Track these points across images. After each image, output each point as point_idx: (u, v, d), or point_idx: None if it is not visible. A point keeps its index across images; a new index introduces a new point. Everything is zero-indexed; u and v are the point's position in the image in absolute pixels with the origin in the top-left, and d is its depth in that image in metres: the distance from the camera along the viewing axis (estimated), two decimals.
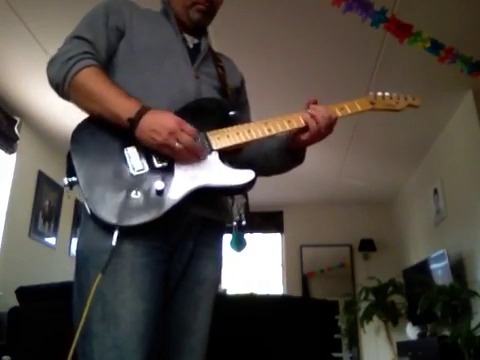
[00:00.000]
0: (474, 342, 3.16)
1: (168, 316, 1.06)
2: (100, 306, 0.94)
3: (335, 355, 4.90)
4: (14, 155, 3.99)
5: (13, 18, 2.93)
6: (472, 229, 3.83)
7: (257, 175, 1.20)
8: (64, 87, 1.07)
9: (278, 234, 6.68)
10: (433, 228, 4.76)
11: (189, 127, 1.02)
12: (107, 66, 1.17)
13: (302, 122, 1.16)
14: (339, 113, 1.21)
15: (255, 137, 1.12)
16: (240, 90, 1.36)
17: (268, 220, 6.50)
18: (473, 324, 3.38)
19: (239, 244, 4.34)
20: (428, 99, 3.88)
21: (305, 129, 1.17)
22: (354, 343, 5.87)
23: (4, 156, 3.93)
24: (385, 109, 1.30)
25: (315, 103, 1.19)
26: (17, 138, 3.97)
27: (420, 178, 5.26)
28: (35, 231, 4.26)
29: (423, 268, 4.53)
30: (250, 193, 3.71)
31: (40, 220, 4.37)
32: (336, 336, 5.19)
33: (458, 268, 3.96)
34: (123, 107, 1.01)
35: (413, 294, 4.37)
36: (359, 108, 1.25)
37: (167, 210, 0.97)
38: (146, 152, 1.03)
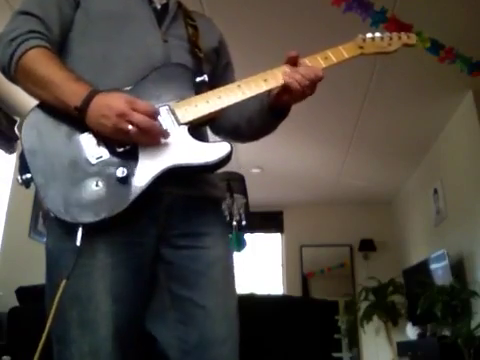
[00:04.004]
0: (474, 342, 3.15)
1: (189, 307, 0.97)
2: (76, 311, 0.89)
3: (335, 355, 4.89)
4: (14, 155, 3.99)
5: None
6: (472, 229, 3.83)
7: (242, 141, 1.10)
8: (10, 72, 0.96)
9: (278, 234, 6.68)
10: (433, 228, 4.76)
11: (143, 104, 0.88)
12: (63, 42, 1.05)
13: (281, 80, 1.02)
14: (323, 63, 1.06)
15: (227, 103, 0.98)
16: (219, 51, 1.21)
17: (268, 220, 6.49)
18: (473, 324, 3.37)
19: (239, 244, 4.33)
20: (428, 99, 3.88)
21: (286, 88, 1.02)
22: (354, 343, 5.86)
23: (4, 156, 3.93)
24: (377, 52, 1.14)
25: (296, 58, 1.04)
26: (17, 138, 3.96)
27: (420, 178, 5.26)
28: (35, 231, 4.25)
29: (423, 268, 4.53)
30: (250, 193, 3.71)
31: (40, 220, 4.36)
32: (336, 336, 5.18)
33: (458, 268, 3.96)
34: (70, 93, 0.89)
35: (413, 294, 4.37)
36: (346, 55, 1.09)
37: (134, 199, 0.87)
38: (104, 136, 0.91)
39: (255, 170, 5.29)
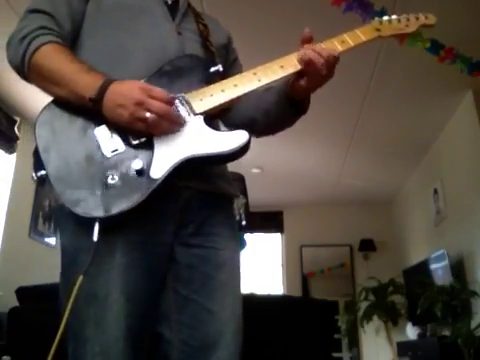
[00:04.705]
0: (474, 342, 3.15)
1: (194, 309, 0.96)
2: (92, 309, 0.88)
3: (335, 355, 4.89)
4: (14, 155, 3.99)
5: (13, 17, 2.92)
6: (472, 229, 3.83)
7: (257, 135, 1.07)
8: (24, 70, 0.95)
9: (278, 234, 6.68)
10: (433, 228, 4.76)
11: (158, 91, 0.88)
12: (75, 35, 1.04)
13: (298, 66, 0.98)
14: (340, 47, 1.02)
15: (243, 91, 0.96)
16: (228, 47, 1.24)
17: (268, 220, 6.50)
18: (473, 324, 3.37)
19: (239, 244, 4.34)
20: (428, 99, 3.88)
21: (303, 73, 0.99)
22: (354, 343, 5.87)
23: (4, 156, 3.93)
24: (394, 35, 1.11)
25: (310, 39, 1.01)
26: (17, 138, 3.97)
27: (420, 178, 5.26)
28: (35, 231, 4.25)
29: (423, 268, 4.53)
30: (250, 193, 3.71)
31: (40, 220, 4.36)
32: (336, 336, 5.19)
33: (458, 268, 3.96)
34: (84, 85, 0.89)
35: (413, 294, 4.37)
36: (363, 38, 1.06)
37: (151, 191, 0.85)
38: (120, 129, 0.90)
39: (255, 170, 5.29)
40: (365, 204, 6.27)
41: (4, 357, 2.14)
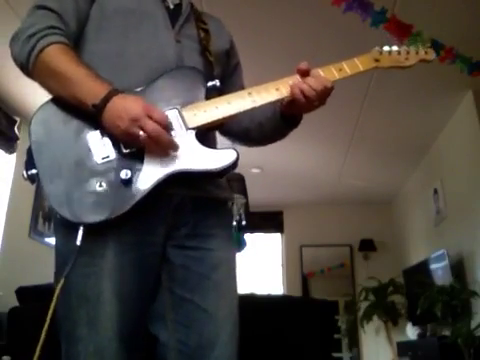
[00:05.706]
0: (474, 342, 3.15)
1: (189, 309, 0.96)
2: (83, 310, 0.89)
3: (335, 355, 4.90)
4: (14, 155, 3.99)
5: (12, 17, 2.93)
6: (472, 229, 3.83)
7: (250, 145, 1.12)
8: (28, 67, 0.96)
9: (278, 234, 6.68)
10: (433, 228, 4.76)
11: (158, 113, 0.88)
12: (79, 34, 1.05)
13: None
14: (337, 75, 1.04)
15: (237, 111, 0.98)
16: (230, 52, 1.24)
17: (268, 220, 6.49)
18: (473, 324, 3.37)
19: (239, 244, 4.33)
20: (428, 99, 3.88)
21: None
22: (354, 343, 5.86)
23: (4, 156, 3.93)
24: (392, 66, 1.14)
25: (307, 73, 1.01)
26: (17, 138, 3.97)
27: (420, 178, 5.26)
28: (35, 231, 4.25)
29: (423, 268, 4.53)
30: (250, 193, 3.71)
31: (40, 220, 4.36)
32: (336, 336, 5.18)
33: (458, 268, 3.96)
34: (89, 91, 0.90)
35: (413, 294, 4.37)
36: (361, 68, 1.08)
37: (135, 203, 0.87)
38: (113, 137, 0.91)
39: (255, 170, 5.29)
40: (365, 204, 6.27)
41: (4, 357, 2.14)
